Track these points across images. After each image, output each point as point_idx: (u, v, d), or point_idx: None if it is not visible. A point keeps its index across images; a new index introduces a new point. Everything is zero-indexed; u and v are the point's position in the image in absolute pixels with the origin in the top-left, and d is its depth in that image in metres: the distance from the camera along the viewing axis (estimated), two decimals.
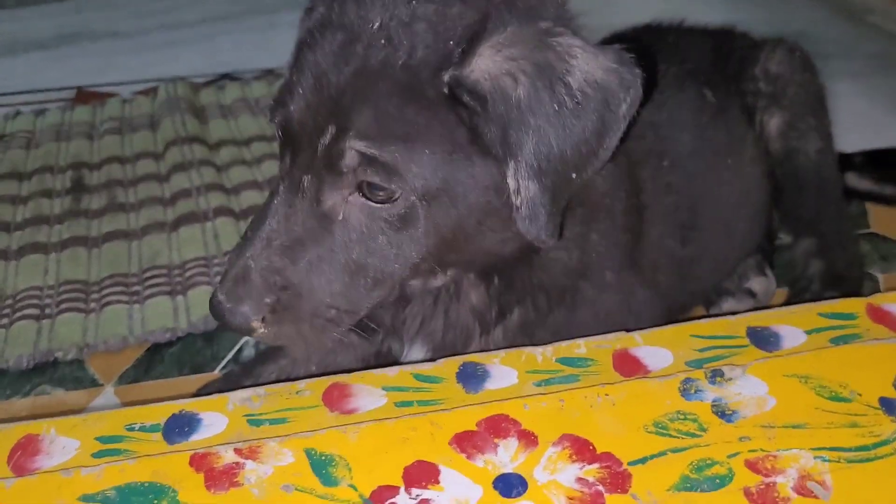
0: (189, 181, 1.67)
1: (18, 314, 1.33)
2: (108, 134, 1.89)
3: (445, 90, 0.77)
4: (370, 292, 0.85)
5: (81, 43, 2.44)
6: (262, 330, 0.81)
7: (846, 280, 1.24)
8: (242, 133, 1.87)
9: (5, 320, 1.33)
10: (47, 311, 1.35)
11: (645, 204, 1.08)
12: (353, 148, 0.77)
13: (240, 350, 1.28)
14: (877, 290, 1.32)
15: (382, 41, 0.77)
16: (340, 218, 0.81)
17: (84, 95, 2.15)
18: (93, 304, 1.36)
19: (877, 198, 1.53)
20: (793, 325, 0.93)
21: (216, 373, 1.24)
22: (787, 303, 1.24)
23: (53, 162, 1.78)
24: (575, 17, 0.85)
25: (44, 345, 1.27)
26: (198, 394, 1.12)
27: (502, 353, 0.91)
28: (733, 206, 1.22)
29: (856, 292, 1.23)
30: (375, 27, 0.78)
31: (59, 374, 1.24)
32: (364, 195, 0.79)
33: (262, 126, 1.89)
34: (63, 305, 1.35)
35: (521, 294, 0.97)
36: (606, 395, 0.83)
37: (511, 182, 0.78)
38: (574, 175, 0.80)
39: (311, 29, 0.83)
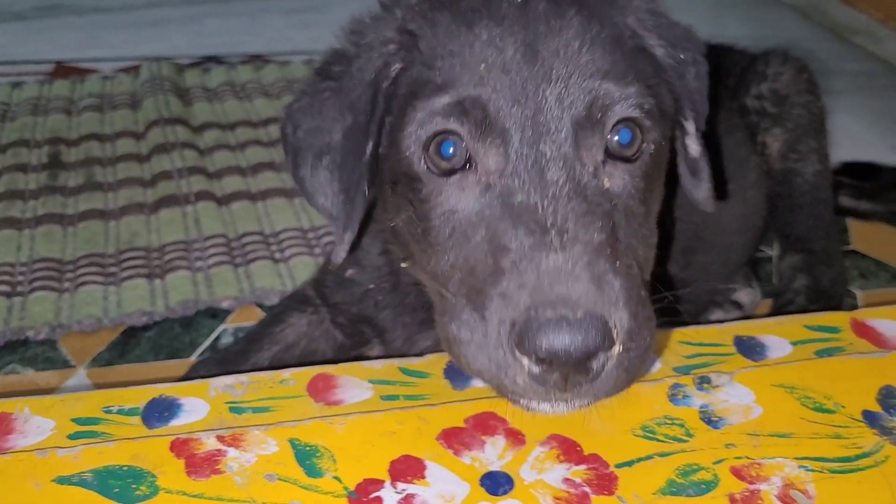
0: (170, 163, 1.64)
1: None
2: (87, 110, 1.85)
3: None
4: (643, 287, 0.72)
5: (63, 16, 2.39)
6: (619, 348, 0.63)
7: (829, 296, 1.25)
8: (228, 117, 1.84)
9: None
10: (19, 288, 1.32)
11: None
12: (618, 102, 0.71)
13: (218, 338, 1.26)
14: (855, 307, 1.34)
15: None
16: (607, 187, 0.72)
17: (63, 70, 2.10)
18: (67, 284, 1.33)
19: (852, 213, 1.54)
20: (779, 336, 0.94)
21: (193, 359, 1.22)
22: (772, 314, 1.25)
23: (30, 136, 1.74)
24: None
25: (15, 323, 1.24)
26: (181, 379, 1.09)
27: None
28: (734, 232, 1.22)
29: (837, 307, 1.24)
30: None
31: (30, 353, 1.21)
32: (618, 158, 0.73)
33: (247, 111, 1.87)
34: (36, 283, 1.32)
35: None
36: None
37: (689, 125, 0.82)
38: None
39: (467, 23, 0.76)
